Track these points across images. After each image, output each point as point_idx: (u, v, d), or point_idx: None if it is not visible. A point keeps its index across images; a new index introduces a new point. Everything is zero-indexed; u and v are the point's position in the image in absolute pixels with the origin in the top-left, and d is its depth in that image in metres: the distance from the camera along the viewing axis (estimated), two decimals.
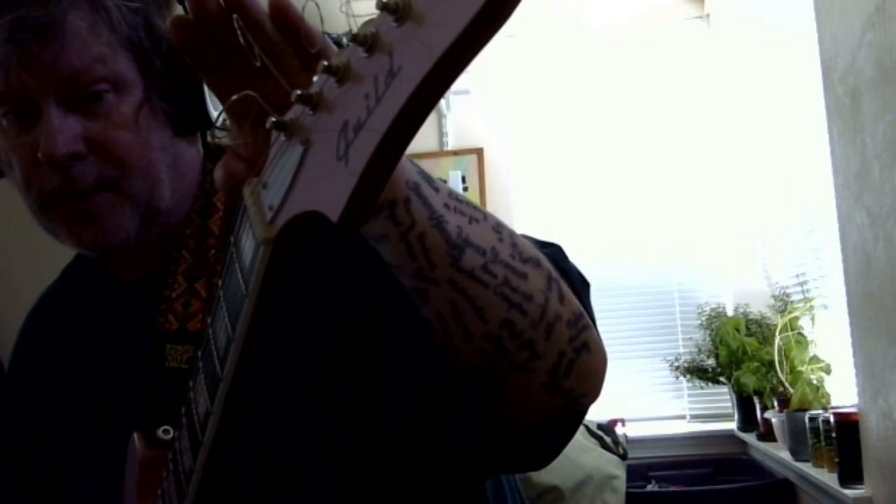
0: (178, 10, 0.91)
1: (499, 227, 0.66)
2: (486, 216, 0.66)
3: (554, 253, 0.76)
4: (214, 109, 0.91)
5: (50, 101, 0.83)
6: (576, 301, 0.70)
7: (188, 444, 0.73)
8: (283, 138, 0.50)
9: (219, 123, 0.92)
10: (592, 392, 0.71)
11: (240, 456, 0.76)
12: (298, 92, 0.47)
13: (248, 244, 0.55)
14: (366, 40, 0.42)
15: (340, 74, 0.44)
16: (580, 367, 0.68)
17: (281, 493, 0.84)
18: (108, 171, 0.86)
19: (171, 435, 0.84)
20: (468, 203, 0.65)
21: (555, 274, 0.69)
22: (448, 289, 0.63)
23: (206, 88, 0.89)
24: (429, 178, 0.62)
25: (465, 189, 3.60)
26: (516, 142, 3.83)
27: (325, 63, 0.45)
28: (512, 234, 0.67)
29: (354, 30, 0.43)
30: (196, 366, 0.69)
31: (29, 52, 0.81)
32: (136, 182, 0.87)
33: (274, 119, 0.49)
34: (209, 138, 0.98)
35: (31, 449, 1.03)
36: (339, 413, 0.82)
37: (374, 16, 0.43)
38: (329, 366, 0.82)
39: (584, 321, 0.70)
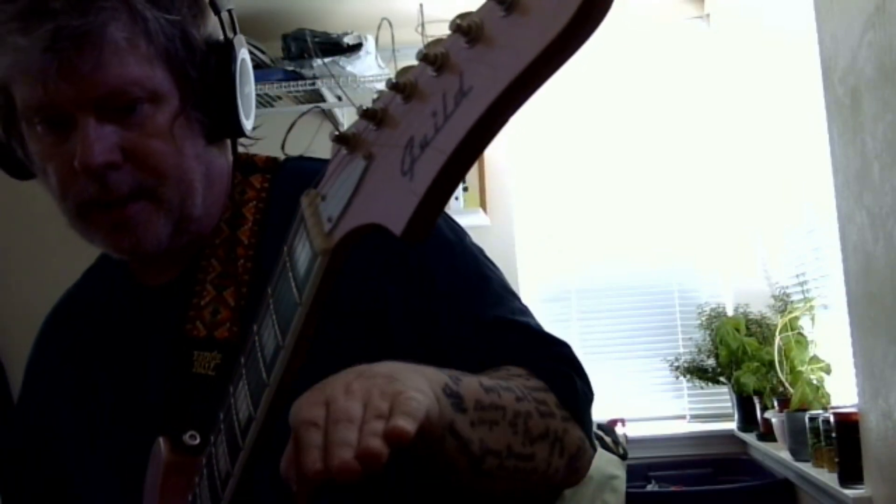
0: (214, 20, 0.91)
1: (515, 419, 0.75)
2: (505, 411, 0.75)
3: (565, 355, 0.87)
4: (245, 118, 0.92)
5: (86, 111, 0.83)
6: (575, 438, 0.81)
7: (226, 450, 0.73)
8: (344, 152, 0.51)
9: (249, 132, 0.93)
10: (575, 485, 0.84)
11: (278, 461, 0.77)
12: (363, 106, 0.47)
13: (303, 254, 0.56)
14: (435, 60, 0.43)
15: (407, 92, 0.45)
16: (566, 486, 0.82)
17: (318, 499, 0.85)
18: (144, 179, 0.87)
19: (197, 441, 0.85)
20: (491, 405, 0.74)
21: (559, 430, 0.79)
22: (466, 483, 0.74)
23: (238, 96, 0.90)
24: (459, 401, 0.70)
25: (466, 189, 3.60)
26: (516, 142, 3.83)
27: (393, 80, 0.46)
28: (526, 416, 0.77)
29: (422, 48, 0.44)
30: (238, 371, 0.69)
31: (68, 63, 0.81)
32: (171, 190, 0.88)
33: (337, 132, 0.50)
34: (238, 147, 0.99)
35: (31, 449, 1.04)
36: None
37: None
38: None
39: (579, 454, 0.82)
